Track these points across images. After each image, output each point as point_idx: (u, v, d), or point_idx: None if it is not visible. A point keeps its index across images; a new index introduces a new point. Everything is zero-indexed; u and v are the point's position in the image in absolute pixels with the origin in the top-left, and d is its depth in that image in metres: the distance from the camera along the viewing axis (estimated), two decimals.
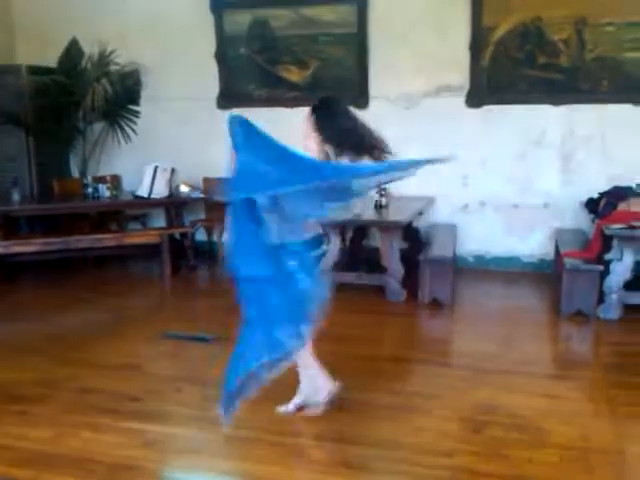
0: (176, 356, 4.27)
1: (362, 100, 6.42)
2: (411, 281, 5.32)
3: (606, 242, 4.96)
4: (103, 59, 6.61)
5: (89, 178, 6.46)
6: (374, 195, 5.76)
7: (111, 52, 6.59)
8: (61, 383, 3.75)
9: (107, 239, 6.11)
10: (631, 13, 5.72)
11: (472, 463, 2.85)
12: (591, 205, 5.57)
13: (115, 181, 6.75)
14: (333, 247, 3.24)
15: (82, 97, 6.58)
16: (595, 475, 2.77)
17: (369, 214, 5.55)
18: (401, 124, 6.31)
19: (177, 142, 6.90)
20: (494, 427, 3.15)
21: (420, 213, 6.02)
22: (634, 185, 5.47)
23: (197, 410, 3.41)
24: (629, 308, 4.81)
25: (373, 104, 6.44)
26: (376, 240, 5.93)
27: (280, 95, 6.74)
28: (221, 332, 4.56)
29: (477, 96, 6.16)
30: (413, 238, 6.15)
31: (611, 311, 4.78)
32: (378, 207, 5.72)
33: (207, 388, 3.65)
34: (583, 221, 5.90)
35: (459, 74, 6.14)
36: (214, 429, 3.18)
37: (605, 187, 5.60)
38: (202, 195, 6.52)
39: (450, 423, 3.21)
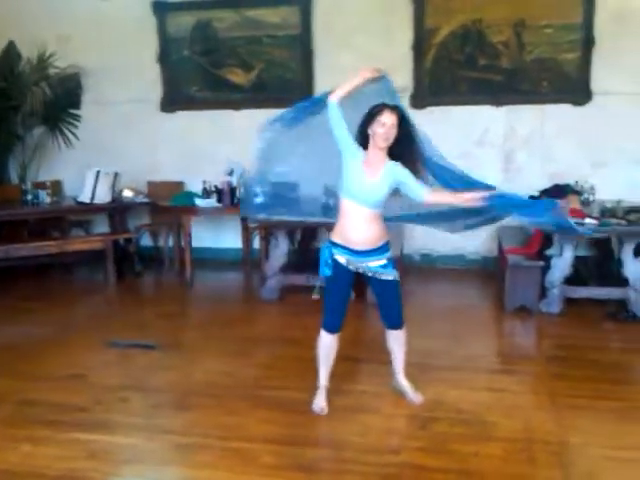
0: (122, 365, 4.18)
1: None
2: (359, 281, 5.33)
3: (547, 238, 5.09)
4: (42, 62, 6.48)
5: (28, 184, 6.28)
6: (321, 196, 5.78)
7: (50, 55, 6.46)
8: (0, 396, 3.62)
9: (48, 246, 5.95)
10: (567, 16, 5.90)
11: (419, 459, 2.88)
12: None
13: (56, 187, 6.58)
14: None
15: (20, 101, 6.39)
16: (538, 466, 2.83)
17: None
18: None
19: (120, 146, 6.78)
20: (440, 423, 3.19)
21: None
22: (573, 183, 5.65)
23: (143, 419, 3.35)
24: (570, 302, 4.94)
25: None
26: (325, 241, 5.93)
27: (225, 97, 6.69)
28: (167, 339, 4.51)
29: (420, 97, 6.24)
30: None
31: (553, 305, 4.90)
32: (325, 208, 5.72)
33: (153, 396, 3.61)
34: None
35: (402, 76, 6.19)
36: (161, 437, 3.15)
37: (546, 185, 5.75)
38: (147, 199, 6.42)
39: (397, 420, 3.25)
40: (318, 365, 3.39)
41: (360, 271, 3.24)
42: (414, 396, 3.42)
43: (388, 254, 3.22)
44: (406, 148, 3.10)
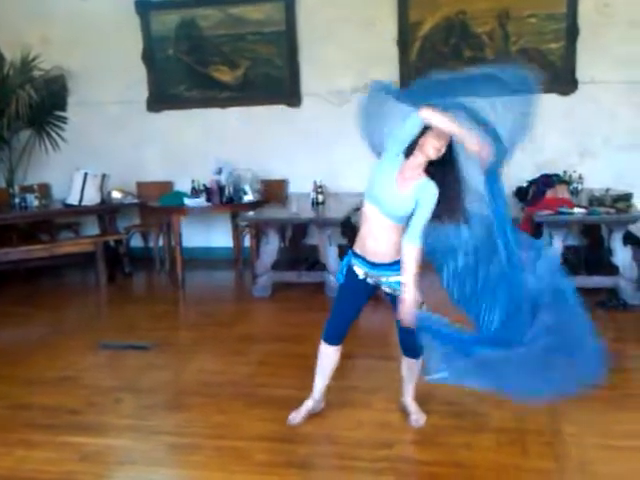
0: (114, 366, 4.18)
1: (294, 98, 6.43)
2: None
3: (536, 229, 5.10)
4: (26, 65, 6.42)
5: (16, 188, 6.25)
6: (311, 193, 5.80)
7: (34, 57, 6.41)
8: None
9: (38, 250, 5.92)
10: (551, 5, 5.92)
11: (412, 452, 2.90)
12: (521, 193, 5.72)
13: (44, 190, 6.56)
14: None
15: (5, 105, 6.33)
16: (531, 456, 2.84)
17: (307, 212, 5.56)
18: (335, 121, 6.34)
19: (108, 147, 6.75)
20: (432, 415, 3.19)
21: (357, 209, 6.04)
22: (561, 172, 5.67)
23: (136, 420, 3.34)
24: None
25: (305, 102, 6.45)
26: (315, 238, 5.94)
27: (212, 96, 6.68)
28: (159, 339, 4.49)
29: None
30: (352, 234, 6.18)
31: None
32: (315, 204, 5.73)
33: (145, 397, 3.60)
34: (515, 209, 6.02)
35: (388, 69, 6.19)
36: (154, 438, 3.15)
37: (534, 175, 5.76)
38: (136, 200, 6.40)
39: (389, 415, 3.24)
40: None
41: (381, 286, 2.99)
42: (417, 417, 3.15)
43: None
44: (448, 175, 2.77)
